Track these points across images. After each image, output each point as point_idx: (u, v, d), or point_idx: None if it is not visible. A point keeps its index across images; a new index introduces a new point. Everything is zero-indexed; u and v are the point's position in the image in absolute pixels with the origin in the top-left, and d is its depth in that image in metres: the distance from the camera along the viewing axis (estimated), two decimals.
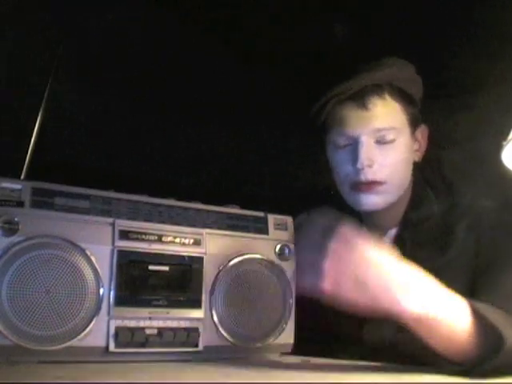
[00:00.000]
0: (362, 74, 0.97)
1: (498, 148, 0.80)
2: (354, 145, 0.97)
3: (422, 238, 0.98)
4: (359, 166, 0.95)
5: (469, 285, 0.87)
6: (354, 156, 0.96)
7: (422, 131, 1.04)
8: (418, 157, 1.04)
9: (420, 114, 1.04)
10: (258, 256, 0.91)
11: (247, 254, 0.91)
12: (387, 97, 0.97)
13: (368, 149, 0.95)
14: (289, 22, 1.18)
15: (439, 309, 0.72)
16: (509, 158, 0.81)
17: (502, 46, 1.10)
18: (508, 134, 0.78)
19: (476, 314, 0.74)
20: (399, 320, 0.71)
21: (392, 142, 0.96)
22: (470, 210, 0.95)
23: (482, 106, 1.26)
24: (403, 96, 0.99)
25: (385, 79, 0.97)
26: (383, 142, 0.96)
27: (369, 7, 1.11)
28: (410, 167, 1.02)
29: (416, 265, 0.91)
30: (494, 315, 0.75)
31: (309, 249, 0.72)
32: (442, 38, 1.16)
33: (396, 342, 0.91)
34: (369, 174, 0.96)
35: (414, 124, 1.01)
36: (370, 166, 0.95)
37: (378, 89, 0.97)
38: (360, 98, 0.96)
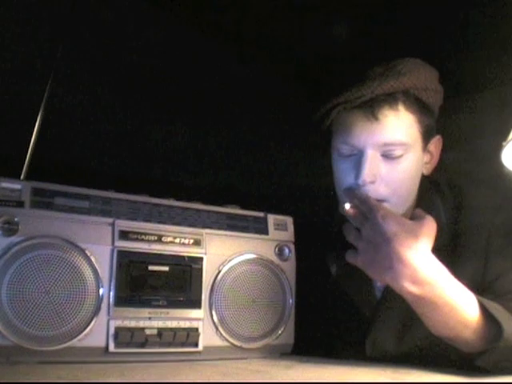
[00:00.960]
0: (375, 80, 0.87)
1: (498, 148, 0.80)
2: (359, 156, 0.89)
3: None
4: (360, 182, 0.88)
5: (477, 287, 0.86)
6: (357, 169, 0.88)
7: (436, 142, 0.96)
8: (427, 169, 0.96)
9: (435, 123, 0.95)
10: (257, 256, 0.92)
11: (247, 254, 0.91)
12: (401, 108, 0.88)
13: (372, 164, 0.88)
14: (290, 21, 1.18)
15: (441, 294, 0.76)
16: (509, 157, 0.81)
17: (502, 47, 1.10)
18: (508, 134, 0.78)
19: (480, 307, 0.77)
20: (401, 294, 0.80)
21: (399, 157, 0.89)
22: (478, 214, 0.92)
23: (482, 106, 1.26)
24: (419, 105, 0.90)
25: (400, 88, 0.88)
26: (390, 157, 0.88)
27: (369, 7, 1.11)
28: (417, 182, 0.94)
29: None
30: (497, 309, 0.77)
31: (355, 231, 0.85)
32: (442, 38, 1.16)
33: (397, 356, 0.91)
34: (370, 190, 0.88)
35: (427, 136, 0.93)
36: (372, 183, 0.88)
37: (390, 98, 0.87)
38: (369, 107, 0.87)
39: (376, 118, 0.87)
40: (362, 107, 0.88)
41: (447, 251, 0.89)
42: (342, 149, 0.91)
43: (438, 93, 0.94)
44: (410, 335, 0.91)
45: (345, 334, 0.98)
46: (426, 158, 0.96)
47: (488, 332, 0.76)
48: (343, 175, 0.92)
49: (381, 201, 0.88)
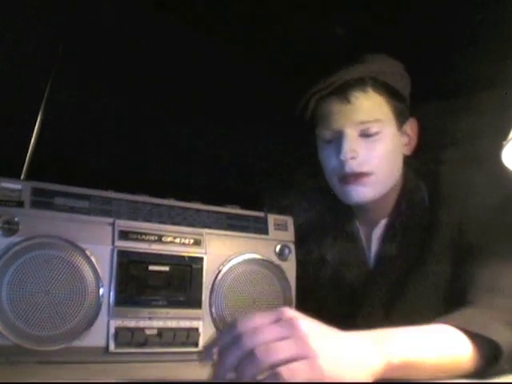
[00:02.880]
0: (344, 69, 0.97)
1: (498, 148, 0.79)
2: (339, 138, 0.97)
3: (411, 227, 0.99)
4: (342, 157, 0.95)
5: (453, 272, 0.91)
6: (339, 149, 0.96)
7: (412, 124, 1.04)
8: (408, 150, 1.04)
9: (408, 108, 1.03)
10: (257, 256, 0.92)
11: (247, 253, 0.91)
12: (370, 90, 0.97)
13: (351, 141, 0.95)
14: (290, 22, 1.18)
15: (418, 353, 0.63)
16: (509, 157, 0.81)
17: (502, 47, 1.10)
18: (508, 134, 0.78)
19: (460, 330, 0.69)
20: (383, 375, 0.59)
21: (376, 134, 0.96)
22: (454, 200, 0.96)
23: (482, 106, 1.26)
24: (388, 89, 0.98)
25: (367, 73, 0.97)
26: (368, 135, 0.96)
27: (369, 7, 1.11)
28: (399, 160, 1.01)
29: (405, 254, 0.98)
30: (478, 322, 0.70)
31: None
32: (442, 38, 1.16)
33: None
34: (353, 166, 0.95)
35: (400, 117, 1.00)
36: (353, 158, 0.95)
37: (360, 83, 0.96)
38: (342, 93, 0.96)
39: (349, 101, 0.96)
40: (335, 93, 0.97)
41: (425, 232, 0.96)
42: (323, 135, 1.00)
43: (405, 78, 1.02)
44: (398, 306, 0.95)
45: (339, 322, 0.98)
46: (404, 139, 1.03)
47: (483, 350, 0.69)
48: (328, 159, 1.00)
49: (366, 174, 0.96)
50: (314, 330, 0.55)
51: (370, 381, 0.56)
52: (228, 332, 0.55)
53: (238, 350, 0.52)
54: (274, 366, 0.51)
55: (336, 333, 0.57)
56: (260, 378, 0.52)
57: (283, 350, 0.52)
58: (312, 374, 0.52)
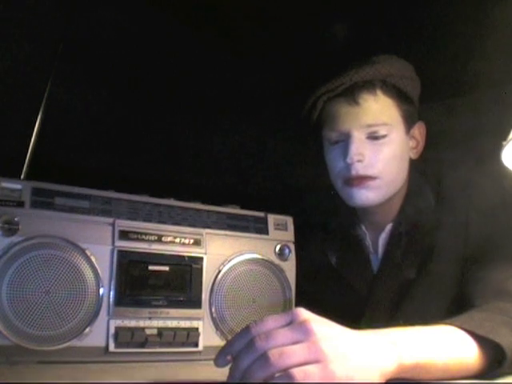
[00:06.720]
0: (352, 70, 0.96)
1: (498, 148, 0.79)
2: (346, 140, 0.96)
3: (417, 231, 0.99)
4: (349, 160, 0.94)
5: (459, 276, 0.91)
6: (345, 151, 0.95)
7: (420, 128, 1.03)
8: (414, 154, 1.03)
9: (417, 111, 1.02)
10: (257, 256, 0.92)
11: (247, 253, 0.91)
12: (379, 93, 0.96)
13: (358, 144, 0.95)
14: (291, 22, 1.18)
15: (429, 355, 0.63)
16: (509, 157, 0.81)
17: (501, 46, 1.10)
18: (508, 134, 0.78)
19: (468, 332, 0.68)
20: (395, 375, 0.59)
21: (384, 137, 0.95)
22: (460, 203, 0.96)
23: (482, 106, 1.26)
24: (397, 92, 0.97)
25: (376, 75, 0.96)
26: (375, 138, 0.95)
27: (367, 6, 1.11)
28: (405, 164, 1.01)
29: (411, 258, 0.97)
30: (486, 326, 0.69)
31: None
32: (442, 37, 1.16)
33: None
34: (359, 169, 0.95)
35: (409, 121, 1.00)
36: (360, 161, 0.95)
37: (369, 85, 0.95)
38: (350, 94, 0.95)
39: (357, 103, 0.95)
40: (343, 95, 0.96)
41: (431, 236, 0.96)
42: (330, 136, 0.99)
43: (415, 81, 1.01)
44: (401, 312, 0.95)
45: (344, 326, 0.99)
46: (412, 143, 1.02)
47: (488, 353, 0.68)
48: (334, 161, 1.00)
49: (371, 177, 0.95)
50: (326, 333, 0.54)
51: (382, 381, 0.56)
52: (242, 336, 0.56)
53: (252, 354, 0.53)
54: (286, 370, 0.51)
55: (348, 334, 0.57)
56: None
57: (296, 354, 0.52)
58: (324, 376, 0.52)
